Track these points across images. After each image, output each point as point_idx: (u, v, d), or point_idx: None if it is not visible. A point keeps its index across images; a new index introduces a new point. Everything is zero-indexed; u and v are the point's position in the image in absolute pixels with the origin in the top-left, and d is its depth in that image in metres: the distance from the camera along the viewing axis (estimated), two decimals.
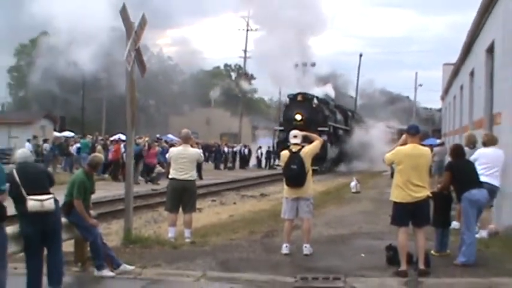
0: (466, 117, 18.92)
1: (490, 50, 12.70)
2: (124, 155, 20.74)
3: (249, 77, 73.67)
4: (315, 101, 36.32)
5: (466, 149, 10.09)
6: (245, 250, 9.62)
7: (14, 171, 6.92)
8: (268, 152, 44.93)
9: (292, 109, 36.32)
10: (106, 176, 26.97)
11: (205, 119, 74.75)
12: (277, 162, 40.12)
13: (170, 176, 10.74)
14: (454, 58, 23.09)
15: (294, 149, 9.30)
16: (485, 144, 10.29)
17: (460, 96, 21.88)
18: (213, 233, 11.97)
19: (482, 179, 9.17)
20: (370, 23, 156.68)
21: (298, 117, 35.12)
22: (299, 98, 36.56)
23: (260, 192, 24.99)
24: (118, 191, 18.54)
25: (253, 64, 78.39)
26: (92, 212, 8.62)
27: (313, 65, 44.33)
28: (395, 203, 8.13)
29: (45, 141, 32.57)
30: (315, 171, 11.64)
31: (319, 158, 25.06)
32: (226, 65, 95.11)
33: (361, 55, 62.04)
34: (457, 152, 9.12)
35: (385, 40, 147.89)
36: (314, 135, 9.96)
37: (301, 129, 10.72)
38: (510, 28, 10.72)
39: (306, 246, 9.23)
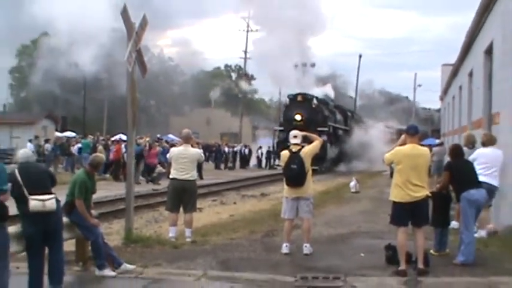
0: (465, 118, 18.94)
1: (489, 51, 12.73)
2: (125, 155, 20.80)
3: (249, 78, 73.77)
4: (315, 101, 36.35)
5: (465, 149, 10.15)
6: (245, 249, 9.64)
7: (16, 171, 6.94)
8: (268, 152, 44.95)
9: (292, 109, 36.35)
10: (107, 175, 27.03)
11: (206, 119, 74.82)
12: (277, 162, 40.13)
13: (171, 176, 10.74)
14: (453, 59, 23.18)
15: (294, 149, 9.32)
16: (484, 144, 10.32)
17: (459, 96, 21.91)
18: (213, 233, 11.98)
19: (481, 178, 9.19)
20: (370, 24, 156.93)
21: (298, 117, 35.15)
22: (299, 98, 36.58)
23: (260, 192, 24.98)
24: (119, 190, 18.63)
25: (253, 65, 78.40)
26: (93, 212, 8.63)
27: (313, 65, 44.42)
28: (394, 202, 8.15)
29: (46, 141, 32.60)
30: (314, 171, 11.67)
31: (318, 158, 25.09)
32: (226, 66, 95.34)
33: (360, 56, 62.30)
34: (456, 152, 9.15)
35: (385, 41, 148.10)
36: (314, 136, 9.97)
37: (301, 130, 10.76)
38: (509, 29, 10.75)
39: (306, 246, 9.25)
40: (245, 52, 64.50)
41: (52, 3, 32.68)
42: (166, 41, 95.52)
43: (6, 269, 6.28)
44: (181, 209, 10.70)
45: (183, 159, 10.49)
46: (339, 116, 41.38)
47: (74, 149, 31.53)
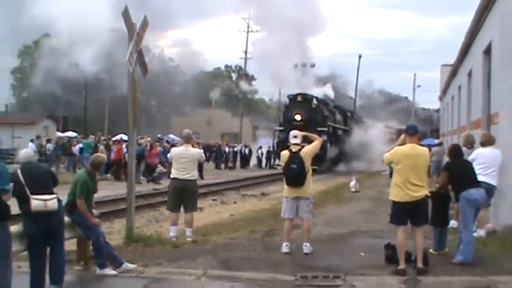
0: (464, 118, 18.95)
1: (488, 51, 12.75)
2: (126, 155, 20.90)
3: (250, 78, 73.83)
4: (315, 101, 36.39)
5: (464, 149, 10.20)
6: (246, 249, 9.66)
7: (19, 171, 6.99)
8: (268, 152, 45.02)
9: (291, 109, 36.39)
10: (108, 175, 27.03)
11: (206, 119, 74.86)
12: (277, 162, 40.18)
13: (172, 176, 10.76)
14: (452, 59, 23.19)
15: (294, 149, 9.35)
16: (483, 144, 10.36)
17: (458, 96, 21.92)
18: (214, 232, 12.01)
19: (480, 178, 9.22)
20: (369, 24, 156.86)
21: (298, 117, 35.19)
22: (299, 98, 36.63)
23: (260, 191, 25.05)
24: (120, 190, 18.72)
25: (253, 65, 78.47)
26: (95, 211, 8.66)
27: (313, 65, 44.44)
28: (394, 202, 8.18)
29: (48, 141, 32.65)
30: (314, 171, 11.69)
31: (318, 158, 25.13)
32: (227, 66, 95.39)
33: (360, 56, 62.40)
34: (455, 152, 9.19)
35: (385, 41, 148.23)
36: (314, 136, 10.00)
37: (300, 130, 10.79)
38: (507, 29, 10.80)
39: (305, 245, 9.28)
40: (245, 52, 64.69)
41: (52, 4, 32.73)
42: (166, 42, 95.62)
43: (8, 268, 6.32)
44: (182, 209, 10.73)
45: (183, 159, 10.52)
46: (338, 116, 41.41)
47: (76, 149, 31.54)
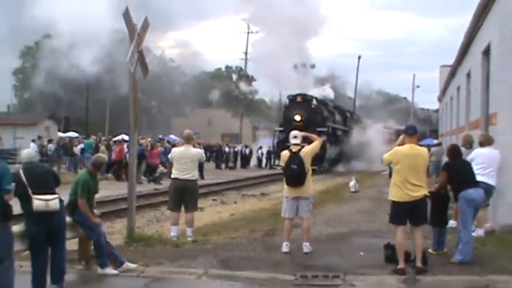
0: (462, 118, 18.96)
1: (486, 52, 12.78)
2: (127, 155, 20.95)
3: (250, 79, 73.89)
4: (314, 102, 36.40)
5: (463, 149, 10.24)
6: (246, 248, 9.69)
7: (21, 171, 7.03)
8: (268, 152, 45.05)
9: (291, 110, 36.42)
10: (109, 175, 27.06)
11: (207, 119, 74.90)
12: (277, 162, 40.20)
13: (172, 176, 10.80)
14: (451, 60, 23.19)
15: (294, 149, 9.39)
16: (482, 144, 10.40)
17: (456, 97, 21.92)
18: (214, 232, 12.05)
19: (479, 178, 9.27)
20: (369, 25, 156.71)
21: (298, 117, 35.20)
22: (298, 99, 36.64)
23: (261, 191, 25.10)
24: (121, 190, 18.74)
25: (253, 66, 78.53)
26: (96, 211, 8.70)
27: (313, 66, 44.47)
28: (393, 202, 8.21)
29: (49, 141, 32.74)
30: (314, 171, 11.72)
31: (318, 158, 25.14)
32: (227, 67, 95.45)
33: (359, 57, 62.48)
34: (454, 152, 9.22)
35: (384, 42, 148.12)
36: (314, 136, 10.04)
37: (300, 130, 10.85)
38: (506, 30, 10.84)
39: (305, 245, 9.32)
40: (246, 53, 64.82)
41: (52, 5, 32.72)
42: (167, 43, 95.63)
43: (11, 267, 6.37)
44: (182, 209, 10.76)
45: (184, 159, 10.55)
46: (338, 117, 41.43)
47: (77, 149, 31.61)
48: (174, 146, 24.05)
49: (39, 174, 7.16)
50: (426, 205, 8.37)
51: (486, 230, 10.36)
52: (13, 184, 6.33)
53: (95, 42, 34.50)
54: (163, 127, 64.38)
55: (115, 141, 31.70)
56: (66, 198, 7.83)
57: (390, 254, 8.53)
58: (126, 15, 10.11)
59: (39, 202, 6.91)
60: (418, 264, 8.08)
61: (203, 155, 11.44)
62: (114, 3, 28.96)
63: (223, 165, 43.43)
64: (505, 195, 10.45)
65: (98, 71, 39.42)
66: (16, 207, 6.59)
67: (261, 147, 47.11)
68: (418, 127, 9.39)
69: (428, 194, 8.35)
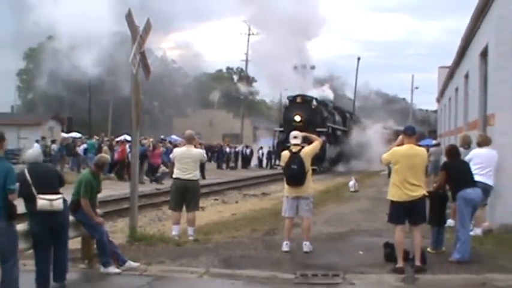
0: (460, 119, 18.96)
1: (484, 54, 12.82)
2: (129, 155, 20.97)
3: (250, 80, 73.97)
4: (314, 102, 36.42)
5: (461, 149, 10.27)
6: (247, 247, 9.74)
7: (26, 171, 7.13)
8: (269, 152, 45.10)
9: (291, 110, 36.45)
10: (112, 175, 27.13)
11: (208, 120, 74.91)
12: (277, 162, 40.25)
13: (174, 176, 10.83)
14: (449, 61, 23.17)
15: (294, 149, 9.45)
16: (480, 144, 10.46)
17: (455, 98, 21.90)
18: (215, 231, 12.10)
19: (477, 178, 9.33)
20: (368, 27, 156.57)
21: (298, 118, 35.23)
22: (298, 99, 36.66)
23: (261, 191, 25.17)
24: (123, 190, 18.79)
25: (254, 67, 78.61)
26: (98, 211, 8.77)
27: (313, 67, 44.57)
28: (392, 201, 8.27)
29: (53, 142, 32.91)
30: (314, 171, 11.77)
31: (318, 158, 25.18)
32: (228, 68, 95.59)
33: (359, 58, 62.87)
34: (452, 152, 9.28)
35: (382, 44, 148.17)
36: (314, 136, 10.10)
37: (300, 130, 10.88)
38: (503, 33, 10.89)
39: (305, 244, 9.38)
40: (246, 54, 64.92)
41: (53, 7, 32.81)
42: (169, 44, 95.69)
43: (15, 266, 6.48)
44: (184, 208, 10.79)
45: (186, 159, 10.60)
46: (337, 117, 41.46)
47: (80, 149, 31.74)
48: (175, 146, 24.13)
49: (43, 174, 7.25)
50: (425, 204, 8.43)
51: (484, 229, 10.41)
52: (17, 184, 6.42)
53: (96, 44, 34.58)
54: (165, 128, 64.36)
55: (117, 142, 31.77)
56: (69, 198, 7.90)
57: (389, 252, 8.58)
58: (129, 17, 10.15)
59: (43, 202, 6.99)
60: (417, 263, 8.14)
61: (204, 155, 11.47)
62: (115, 5, 29.11)
63: (224, 165, 43.50)
64: (502, 195, 10.50)
65: (99, 72, 39.52)
66: (20, 207, 6.68)
67: (261, 148, 47.20)
68: (417, 128, 9.43)
69: (427, 194, 8.41)
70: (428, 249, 9.06)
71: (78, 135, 41.64)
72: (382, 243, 8.96)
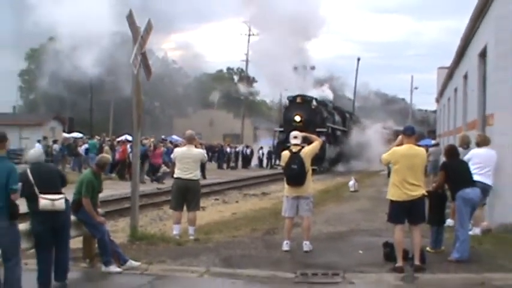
0: (460, 119, 18.99)
1: (483, 54, 12.84)
2: (130, 155, 21.00)
3: (251, 80, 74.03)
4: (314, 102, 36.42)
5: (460, 149, 10.29)
6: (247, 247, 9.77)
7: (28, 171, 7.17)
8: (269, 152, 45.16)
9: (291, 111, 36.46)
10: (113, 175, 27.21)
11: (209, 120, 74.97)
12: (278, 162, 40.29)
13: (175, 176, 10.86)
14: (448, 62, 23.17)
15: (294, 149, 9.48)
16: (479, 144, 10.48)
17: (454, 98, 21.91)
18: (216, 231, 12.14)
19: (476, 178, 9.35)
20: (368, 28, 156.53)
21: (298, 118, 35.25)
22: (298, 100, 36.66)
23: (262, 191, 25.21)
24: (124, 190, 18.78)
25: (254, 67, 78.67)
26: (100, 210, 8.79)
27: (313, 68, 44.62)
28: (391, 201, 8.30)
29: (54, 142, 33.04)
30: (314, 171, 11.79)
31: (318, 158, 25.18)
32: (228, 69, 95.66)
33: (359, 59, 62.91)
34: (452, 152, 9.31)
35: (382, 45, 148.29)
36: (314, 136, 10.14)
37: (300, 130, 10.91)
38: (502, 33, 10.92)
39: (305, 243, 9.41)
40: (246, 55, 64.99)
41: (54, 8, 32.85)
42: (170, 45, 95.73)
43: (17, 265, 6.52)
44: (185, 208, 10.82)
45: (186, 159, 10.62)
46: (337, 117, 41.47)
47: (81, 149, 31.81)
48: (176, 146, 24.13)
49: (46, 174, 7.29)
50: (424, 204, 8.47)
51: (483, 228, 10.44)
52: (19, 184, 6.46)
53: (96, 44, 34.65)
54: (165, 128, 64.44)
55: (118, 142, 31.81)
56: (70, 198, 7.93)
57: (389, 252, 8.61)
58: (130, 18, 10.16)
59: (45, 202, 7.03)
60: (416, 262, 8.18)
61: (205, 155, 11.48)
62: (114, 5, 29.15)
63: (224, 165, 43.55)
64: (501, 194, 10.53)
65: (99, 72, 39.58)
66: (22, 206, 6.71)
67: (261, 148, 47.27)
68: (416, 128, 9.48)
69: (426, 194, 8.45)
70: (428, 248, 9.09)
71: (79, 135, 41.75)
72: (382, 242, 8.99)
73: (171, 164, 21.03)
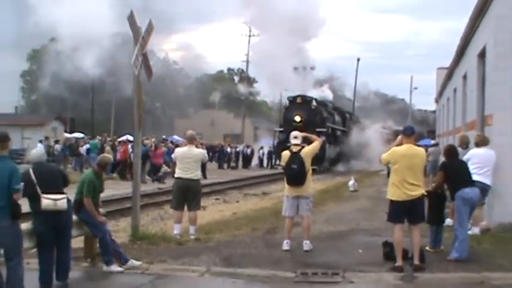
0: (459, 119, 19.01)
1: (482, 55, 12.86)
2: (131, 155, 21.07)
3: (251, 81, 74.09)
4: (314, 103, 36.40)
5: (459, 149, 10.36)
6: (247, 246, 9.80)
7: (31, 171, 7.20)
8: (269, 152, 45.20)
9: (291, 111, 36.44)
10: (114, 175, 27.22)
11: (210, 120, 74.99)
12: (278, 162, 40.30)
13: (176, 175, 10.90)
14: (448, 62, 23.17)
15: (295, 149, 9.52)
16: (478, 144, 10.53)
17: (453, 98, 21.91)
18: (216, 230, 12.16)
19: (475, 178, 9.38)
20: (367, 28, 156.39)
21: (298, 118, 35.22)
22: (298, 100, 36.64)
23: (262, 190, 25.22)
24: (126, 189, 18.82)
25: (255, 68, 78.66)
26: (101, 210, 8.83)
27: (313, 68, 44.63)
28: (391, 201, 8.33)
29: (56, 142, 33.09)
30: (314, 171, 11.81)
31: (318, 158, 25.17)
32: (229, 69, 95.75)
33: (358, 59, 62.91)
34: (451, 152, 9.35)
35: (382, 45, 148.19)
36: (314, 136, 10.17)
37: (300, 130, 10.94)
38: (501, 34, 10.95)
39: (306, 243, 9.45)
40: (247, 55, 65.04)
41: (55, 9, 32.89)
42: (171, 46, 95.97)
43: (20, 265, 6.57)
44: (185, 207, 10.85)
45: (187, 159, 10.66)
46: (337, 117, 41.46)
47: (83, 149, 31.89)
48: (177, 146, 24.14)
49: (48, 174, 7.33)
50: (423, 204, 8.51)
51: (482, 228, 10.47)
52: (22, 184, 6.50)
53: (97, 45, 34.69)
54: (166, 128, 64.51)
55: (120, 142, 31.89)
56: (72, 197, 7.97)
57: (388, 251, 8.65)
58: (131, 19, 10.19)
59: (47, 201, 7.07)
60: (416, 261, 8.21)
61: (206, 155, 11.52)
62: (115, 5, 29.19)
63: (225, 165, 43.61)
64: (500, 194, 10.57)
65: (99, 73, 39.64)
66: (24, 206, 6.75)
67: (262, 148, 47.33)
68: (416, 128, 9.49)
69: (425, 193, 8.48)
70: (427, 248, 9.12)
71: (80, 135, 41.86)
72: (381, 242, 9.03)
73: (172, 164, 21.14)
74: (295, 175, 9.40)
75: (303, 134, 9.99)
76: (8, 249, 6.48)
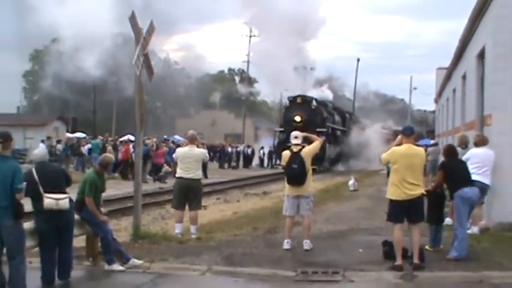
0: (458, 119, 19.01)
1: (481, 56, 12.88)
2: (133, 155, 21.15)
3: (252, 81, 74.11)
4: (314, 103, 36.40)
5: (459, 149, 10.41)
6: (248, 245, 9.82)
7: (33, 170, 7.27)
8: (270, 152, 45.24)
9: (291, 111, 36.43)
10: (116, 175, 27.24)
11: (211, 120, 74.97)
12: (278, 161, 40.32)
13: (177, 175, 10.92)
14: (447, 63, 23.19)
15: (295, 149, 9.56)
16: (477, 144, 10.57)
17: (452, 98, 21.92)
18: (217, 229, 12.17)
19: (474, 177, 9.42)
20: (367, 28, 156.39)
21: (298, 118, 35.22)
22: (298, 100, 36.63)
23: (262, 190, 25.21)
24: (127, 189, 19.01)
25: (255, 68, 78.66)
26: (103, 209, 8.90)
27: (313, 68, 44.69)
28: (391, 200, 8.36)
29: (58, 142, 33.14)
30: (314, 171, 11.84)
31: (318, 158, 25.21)
32: (230, 69, 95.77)
33: (358, 60, 62.98)
34: (450, 152, 9.38)
35: (382, 45, 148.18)
36: (314, 136, 10.21)
37: (301, 130, 10.98)
38: (500, 34, 10.98)
39: (306, 242, 9.49)
40: (247, 56, 65.05)
41: (56, 10, 32.97)
42: (172, 46, 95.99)
43: (22, 263, 6.63)
44: (186, 207, 10.88)
45: (188, 159, 10.69)
46: (337, 117, 41.46)
47: (84, 149, 31.92)
48: (178, 146, 24.20)
49: (50, 174, 7.38)
50: (423, 203, 8.53)
51: (481, 227, 10.52)
52: (24, 183, 6.55)
53: (99, 46, 34.76)
54: (168, 128, 64.55)
55: (121, 142, 31.93)
56: (73, 197, 8.00)
57: (388, 250, 8.69)
58: (132, 19, 10.22)
59: (49, 201, 7.12)
60: (415, 260, 8.24)
61: (207, 154, 11.54)
62: (116, 6, 29.25)
63: (226, 165, 43.64)
64: (499, 193, 10.60)
65: (101, 73, 39.71)
66: (27, 206, 6.81)
67: (262, 147, 47.36)
68: (415, 128, 9.53)
69: (425, 193, 8.51)
70: (427, 247, 9.15)
71: (82, 135, 41.88)
72: (381, 241, 9.07)
73: (173, 164, 21.21)
74: (295, 175, 9.43)
75: (304, 133, 10.02)
76: (11, 248, 6.53)
